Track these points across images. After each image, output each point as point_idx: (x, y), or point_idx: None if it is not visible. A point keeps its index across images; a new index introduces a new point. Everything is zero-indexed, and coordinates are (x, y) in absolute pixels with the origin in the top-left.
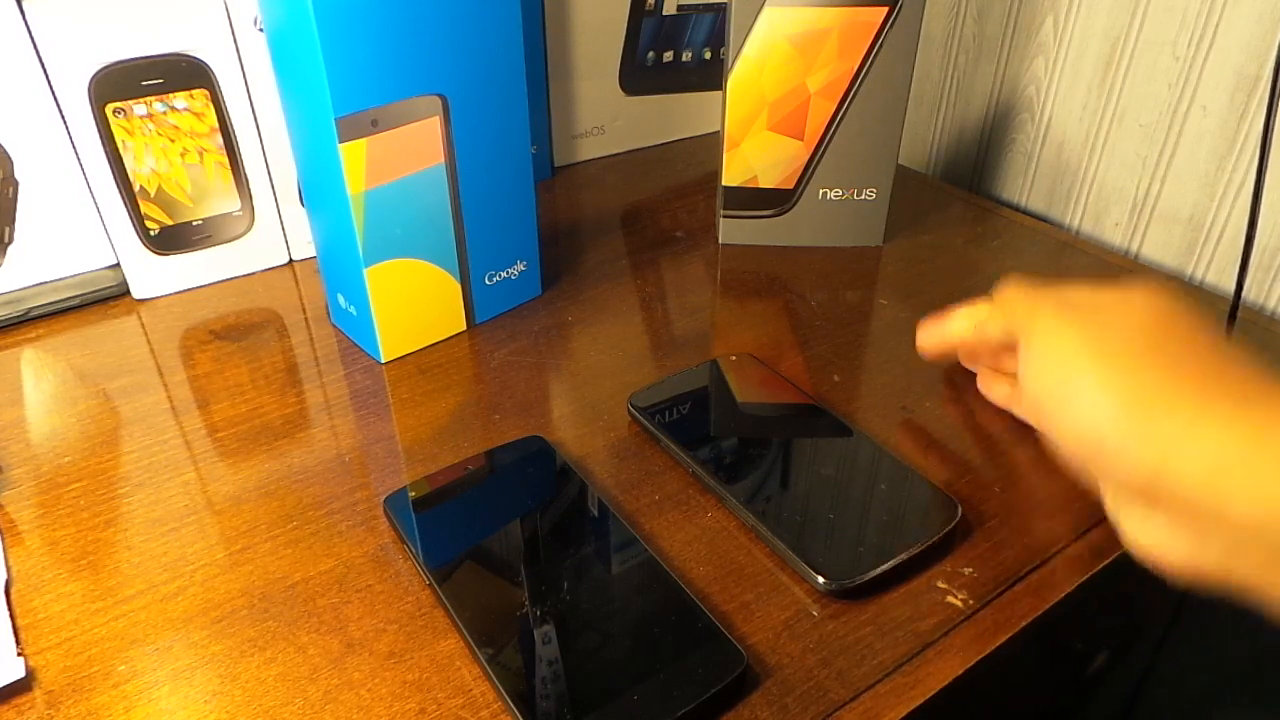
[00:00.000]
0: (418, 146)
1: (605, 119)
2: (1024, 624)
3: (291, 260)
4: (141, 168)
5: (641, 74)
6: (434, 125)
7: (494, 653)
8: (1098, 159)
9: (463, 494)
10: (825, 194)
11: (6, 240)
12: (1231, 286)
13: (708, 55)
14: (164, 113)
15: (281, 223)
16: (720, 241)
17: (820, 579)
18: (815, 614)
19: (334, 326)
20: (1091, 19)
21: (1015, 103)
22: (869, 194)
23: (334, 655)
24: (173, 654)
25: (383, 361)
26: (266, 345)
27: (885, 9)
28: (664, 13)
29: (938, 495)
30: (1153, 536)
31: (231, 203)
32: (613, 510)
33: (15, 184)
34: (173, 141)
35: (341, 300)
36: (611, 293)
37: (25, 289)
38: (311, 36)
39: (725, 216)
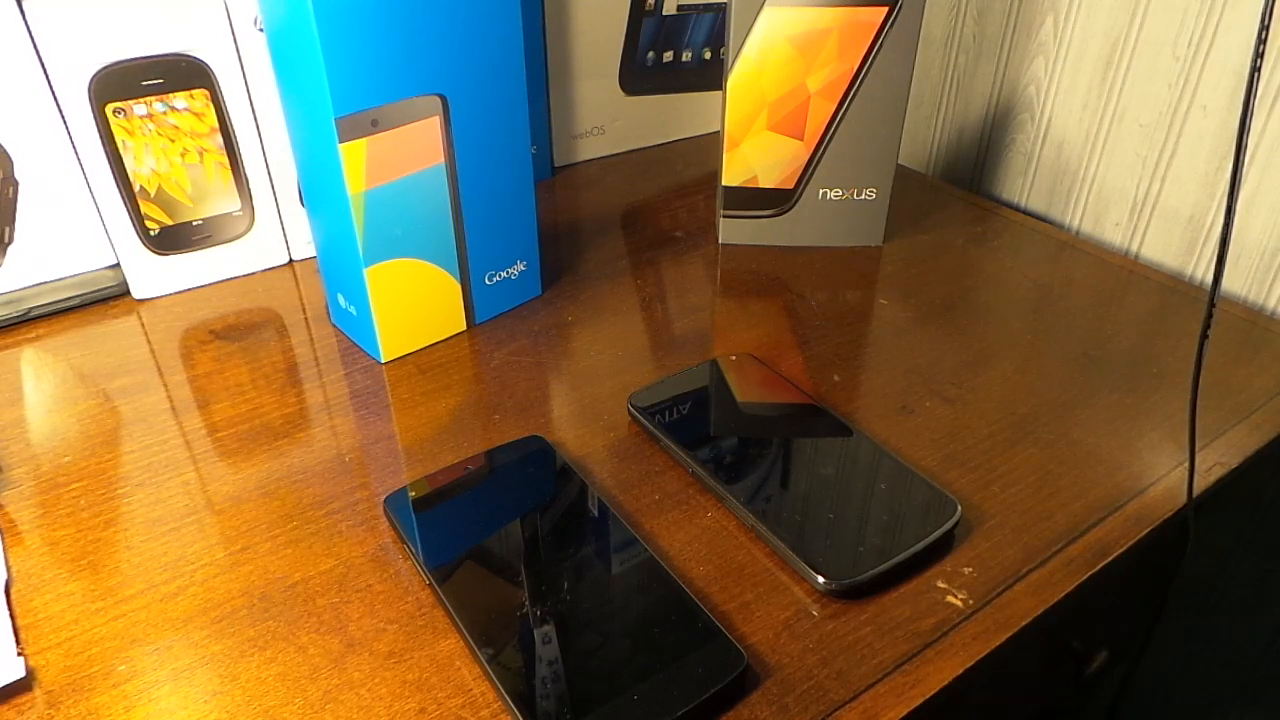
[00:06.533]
0: (418, 146)
1: (605, 119)
2: (1024, 624)
3: (291, 260)
4: (141, 168)
5: (641, 74)
6: (434, 125)
7: (494, 653)
8: (1098, 159)
9: (463, 494)
10: (825, 194)
11: (6, 240)
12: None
13: (708, 55)
14: (164, 113)
15: (281, 223)
16: (720, 241)
17: (820, 579)
18: (815, 614)
19: (334, 326)
20: (1091, 19)
21: (1015, 103)
22: (869, 194)
23: (334, 655)
24: (173, 654)
25: (383, 361)
26: (266, 345)
27: (885, 9)
28: (664, 13)
29: (938, 495)
30: None
31: (231, 203)
32: (613, 510)
33: (15, 184)
34: (173, 141)
35: (341, 300)
36: (611, 293)
37: (25, 289)
38: (311, 36)
39: (725, 216)
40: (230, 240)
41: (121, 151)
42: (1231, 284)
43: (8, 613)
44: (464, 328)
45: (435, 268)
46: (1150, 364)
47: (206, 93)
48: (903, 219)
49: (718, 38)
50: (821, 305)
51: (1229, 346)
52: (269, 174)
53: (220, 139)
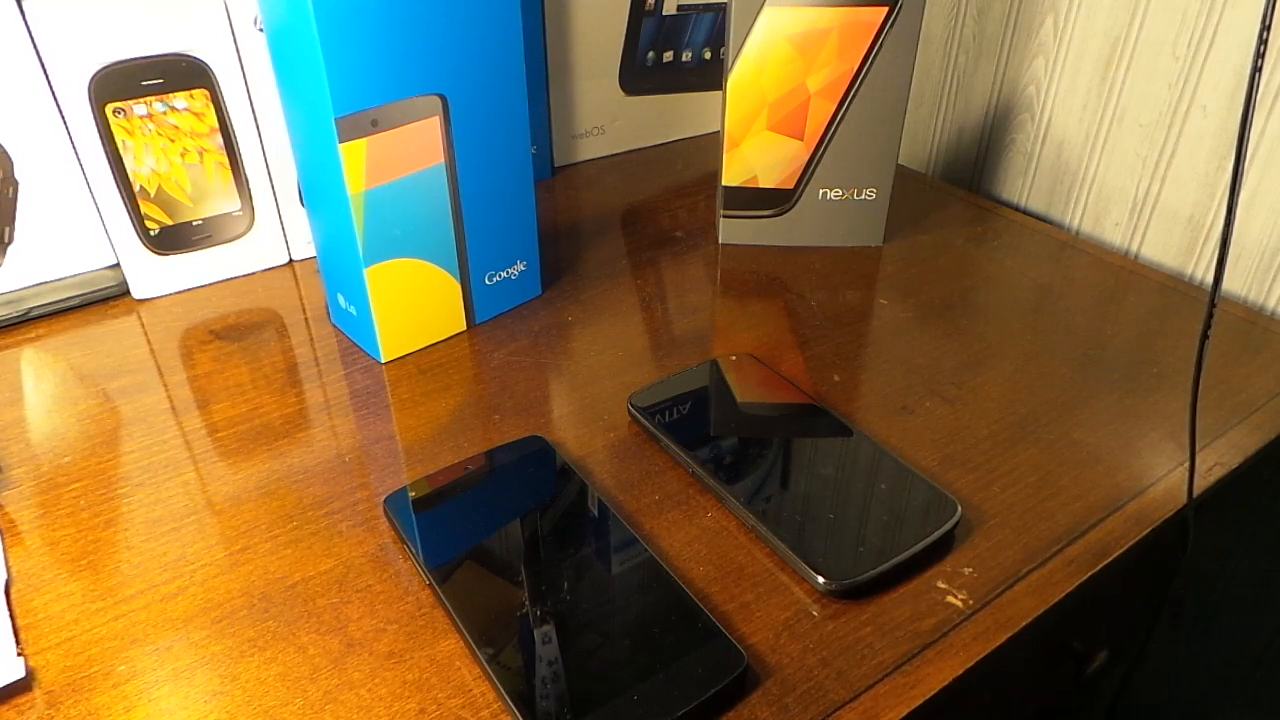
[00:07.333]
0: (418, 146)
1: (605, 119)
2: (1024, 624)
3: (291, 260)
4: (141, 168)
5: (641, 74)
6: (434, 125)
7: (494, 653)
8: (1098, 159)
9: (463, 494)
10: (825, 194)
11: (6, 240)
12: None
13: (708, 55)
14: (164, 113)
15: (281, 223)
16: (720, 241)
17: (820, 579)
18: (815, 614)
19: (334, 326)
20: (1091, 19)
21: (1015, 103)
22: (869, 194)
23: (334, 655)
24: (173, 654)
25: (383, 361)
26: (266, 345)
27: (885, 9)
28: (664, 13)
29: (938, 495)
30: None
31: (231, 203)
32: (613, 510)
33: (15, 184)
34: (173, 141)
35: (341, 300)
36: (611, 293)
37: (25, 289)
38: (311, 36)
39: (725, 216)
40: (230, 240)
41: (121, 151)
42: (1231, 284)
43: (8, 613)
44: (464, 328)
45: (435, 268)
46: (1150, 364)
47: (206, 93)
48: (903, 219)
49: (718, 38)
50: (821, 305)
51: (1229, 346)
52: (269, 174)
53: (220, 139)
